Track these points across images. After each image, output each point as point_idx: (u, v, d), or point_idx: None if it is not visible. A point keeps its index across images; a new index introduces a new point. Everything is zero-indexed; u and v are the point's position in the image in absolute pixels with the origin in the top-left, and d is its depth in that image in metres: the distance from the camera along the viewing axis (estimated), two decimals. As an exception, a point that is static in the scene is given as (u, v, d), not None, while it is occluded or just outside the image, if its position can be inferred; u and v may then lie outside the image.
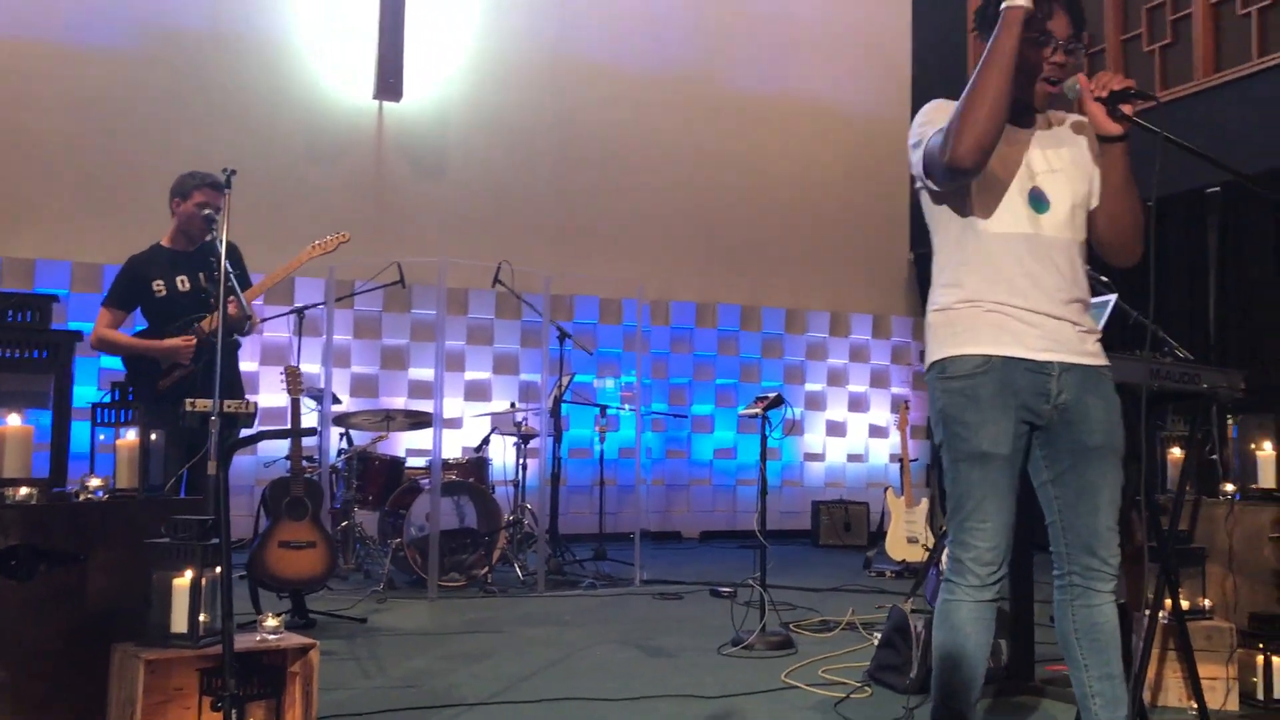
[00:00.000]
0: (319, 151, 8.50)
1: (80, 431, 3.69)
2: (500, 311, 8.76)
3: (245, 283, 4.71)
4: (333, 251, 4.96)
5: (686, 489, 9.38)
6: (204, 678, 2.82)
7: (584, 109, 9.30)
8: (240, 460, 7.68)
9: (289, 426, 4.91)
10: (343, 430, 6.75)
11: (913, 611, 3.88)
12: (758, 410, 4.75)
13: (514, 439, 6.80)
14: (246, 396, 4.48)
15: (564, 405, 7.23)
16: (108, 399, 3.25)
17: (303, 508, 4.86)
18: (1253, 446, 4.07)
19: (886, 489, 7.66)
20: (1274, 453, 4.00)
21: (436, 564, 5.76)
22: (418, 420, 6.74)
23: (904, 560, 7.11)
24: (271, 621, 2.99)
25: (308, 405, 6.47)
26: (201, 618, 2.79)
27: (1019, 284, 2.40)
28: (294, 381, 4.98)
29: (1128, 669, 2.53)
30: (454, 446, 7.72)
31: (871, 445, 10.09)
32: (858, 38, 10.35)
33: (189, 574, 2.78)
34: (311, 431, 4.74)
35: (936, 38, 9.85)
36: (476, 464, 6.56)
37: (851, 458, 10.01)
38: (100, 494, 3.07)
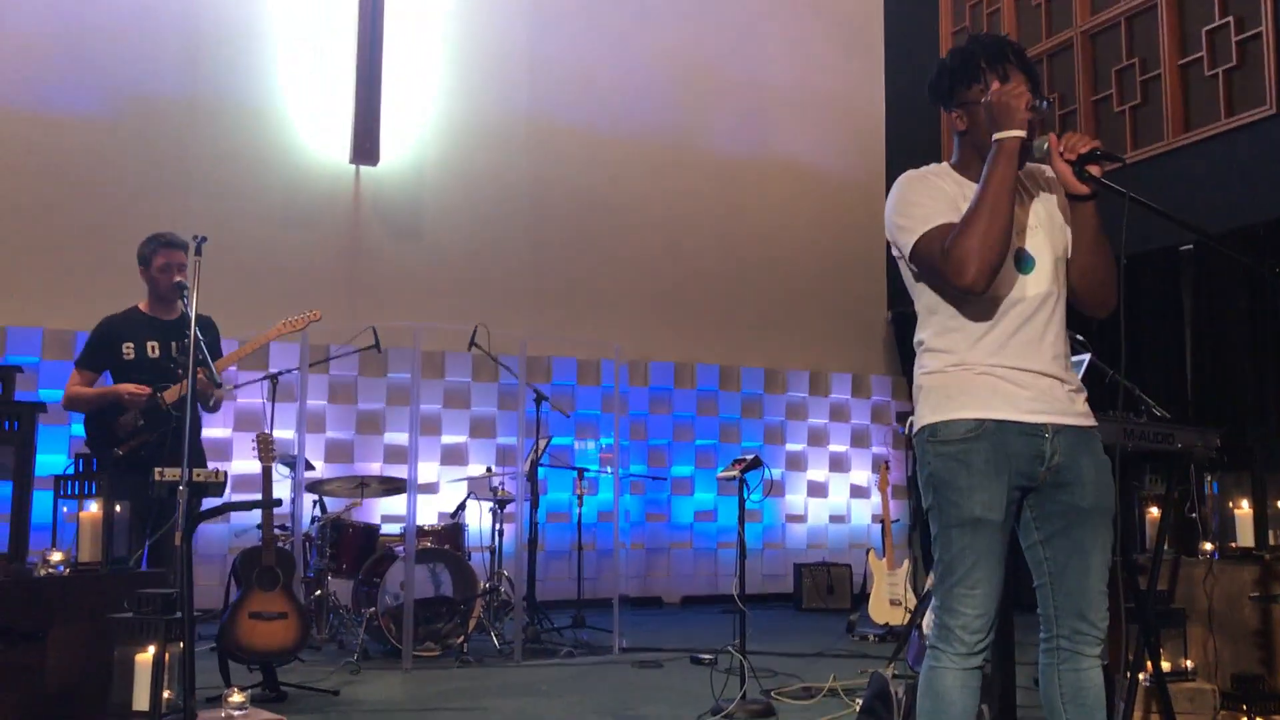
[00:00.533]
0: (296, 216, 8.50)
1: (43, 502, 3.62)
2: (477, 374, 8.72)
3: (216, 354, 4.68)
4: (302, 330, 4.95)
5: (667, 552, 9.28)
6: (166, 758, 2.74)
7: (559, 171, 9.35)
8: (211, 529, 7.57)
9: (259, 496, 4.83)
10: (316, 497, 6.66)
11: (894, 677, 3.82)
12: (735, 473, 4.71)
13: (490, 504, 6.72)
14: (216, 466, 4.42)
15: (541, 469, 7.17)
16: (71, 470, 3.19)
17: (274, 577, 4.77)
18: (1231, 505, 4.05)
19: (869, 550, 7.60)
20: (1252, 511, 3.99)
21: (411, 634, 5.65)
22: (392, 486, 6.66)
23: (887, 623, 7.03)
24: (236, 698, 2.92)
25: (281, 472, 6.39)
26: (165, 694, 2.71)
27: (1009, 344, 2.40)
28: (265, 449, 4.92)
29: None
30: (430, 512, 7.63)
31: (854, 505, 10.03)
32: (832, 100, 10.48)
33: (152, 649, 2.71)
34: (277, 503, 4.66)
35: (909, 100, 9.99)
36: (452, 530, 6.47)
37: (834, 518, 9.95)
38: (61, 568, 3.00)
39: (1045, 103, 2.36)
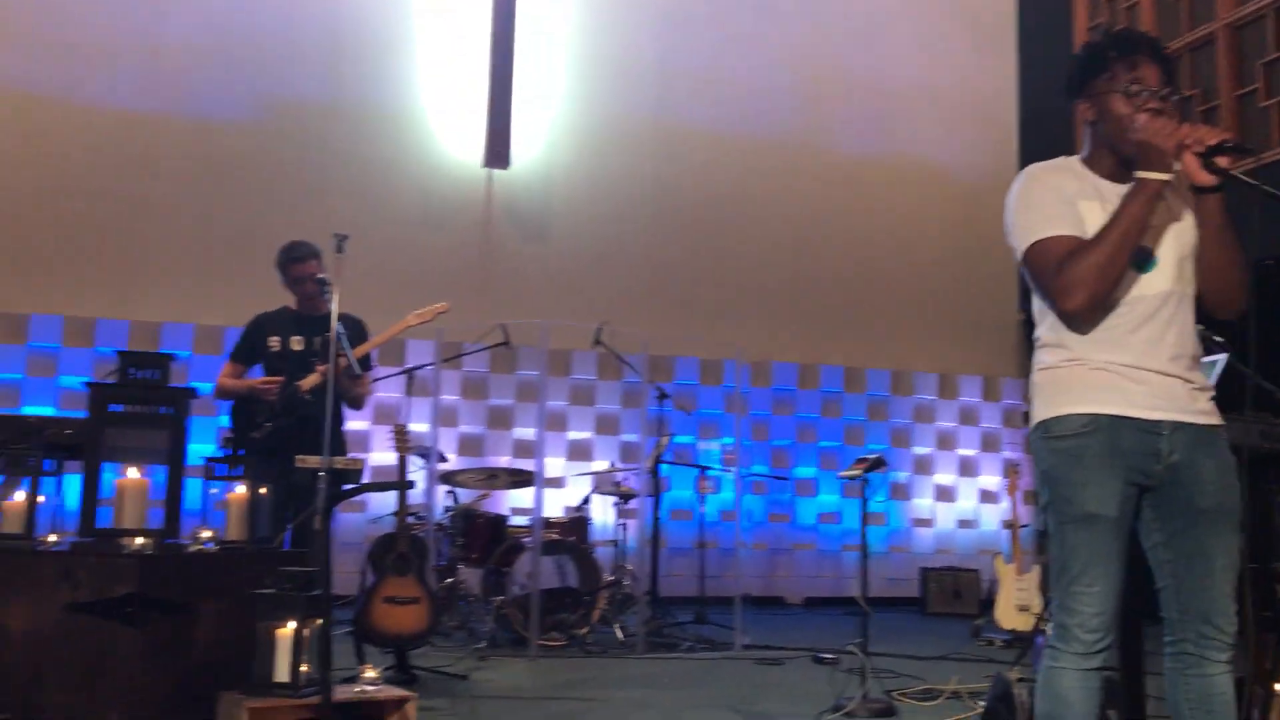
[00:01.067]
0: (431, 217, 8.77)
1: (193, 489, 3.84)
2: (602, 373, 8.85)
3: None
4: (430, 321, 5.09)
5: (790, 553, 9.26)
6: (304, 727, 2.89)
7: (684, 173, 9.42)
8: (348, 516, 7.87)
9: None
10: (448, 488, 6.87)
11: (1019, 680, 3.75)
12: (857, 472, 4.70)
13: (614, 499, 6.83)
14: (355, 454, 4.61)
15: (664, 466, 7.24)
16: (220, 455, 3.39)
17: (407, 563, 4.94)
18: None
19: (996, 556, 7.45)
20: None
21: (538, 622, 5.79)
22: (521, 479, 6.83)
23: (1014, 629, 6.88)
24: (370, 673, 3.06)
25: (415, 463, 6.60)
26: (303, 668, 2.86)
27: (1126, 342, 2.35)
28: (401, 439, 5.10)
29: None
30: (556, 506, 7.78)
31: (982, 510, 9.84)
32: (963, 99, 10.30)
33: (292, 624, 2.86)
34: (410, 485, 4.83)
35: (1043, 95, 9.75)
36: (578, 523, 6.60)
37: (962, 523, 9.77)
38: (210, 545, 3.19)
39: (1174, 94, 2.31)
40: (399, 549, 4.94)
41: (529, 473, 6.76)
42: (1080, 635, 2.33)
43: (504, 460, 8.46)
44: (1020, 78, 10.38)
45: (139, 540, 3.07)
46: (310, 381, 4.70)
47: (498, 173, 8.94)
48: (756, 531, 9.12)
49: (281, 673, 2.84)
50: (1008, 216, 2.51)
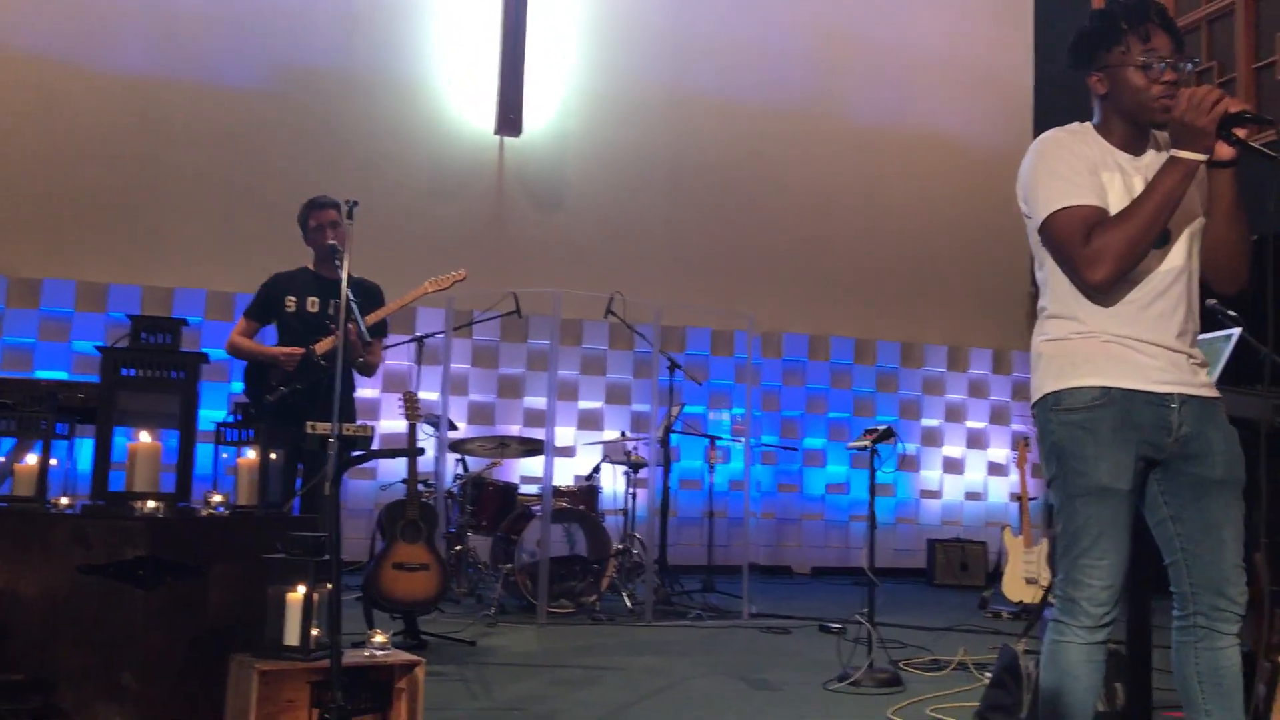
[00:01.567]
0: (442, 185, 8.75)
1: (204, 454, 3.86)
2: (613, 342, 8.85)
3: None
4: (447, 289, 5.08)
5: (798, 523, 9.28)
6: (314, 690, 2.90)
7: (698, 142, 9.38)
8: (358, 483, 7.91)
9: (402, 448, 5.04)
10: (458, 456, 6.89)
11: (1025, 652, 3.77)
12: (866, 443, 4.70)
13: (624, 468, 6.85)
14: (364, 421, 4.62)
15: (674, 435, 7.25)
16: (231, 420, 3.41)
17: (417, 530, 4.97)
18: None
19: (1004, 528, 7.46)
20: None
21: (546, 590, 5.82)
22: (531, 448, 6.84)
23: (1021, 601, 6.90)
24: (379, 638, 3.07)
25: (425, 431, 6.62)
26: (313, 632, 2.87)
27: (1139, 316, 2.34)
28: (412, 407, 5.11)
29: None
30: (566, 474, 7.80)
31: (991, 483, 9.84)
32: (978, 68, 10.21)
33: (302, 589, 2.87)
34: (420, 452, 4.85)
35: (1059, 67, 9.63)
36: (587, 492, 6.63)
37: (969, 495, 9.78)
38: (221, 509, 3.20)
39: (1190, 65, 2.28)
40: (409, 516, 4.97)
41: (539, 441, 6.78)
42: (1088, 609, 2.33)
43: (514, 429, 8.48)
44: (1036, 49, 10.28)
45: (150, 504, 3.08)
46: (324, 345, 4.70)
47: (510, 140, 8.91)
48: (765, 501, 9.14)
49: (292, 636, 2.85)
50: (1025, 181, 2.47)
